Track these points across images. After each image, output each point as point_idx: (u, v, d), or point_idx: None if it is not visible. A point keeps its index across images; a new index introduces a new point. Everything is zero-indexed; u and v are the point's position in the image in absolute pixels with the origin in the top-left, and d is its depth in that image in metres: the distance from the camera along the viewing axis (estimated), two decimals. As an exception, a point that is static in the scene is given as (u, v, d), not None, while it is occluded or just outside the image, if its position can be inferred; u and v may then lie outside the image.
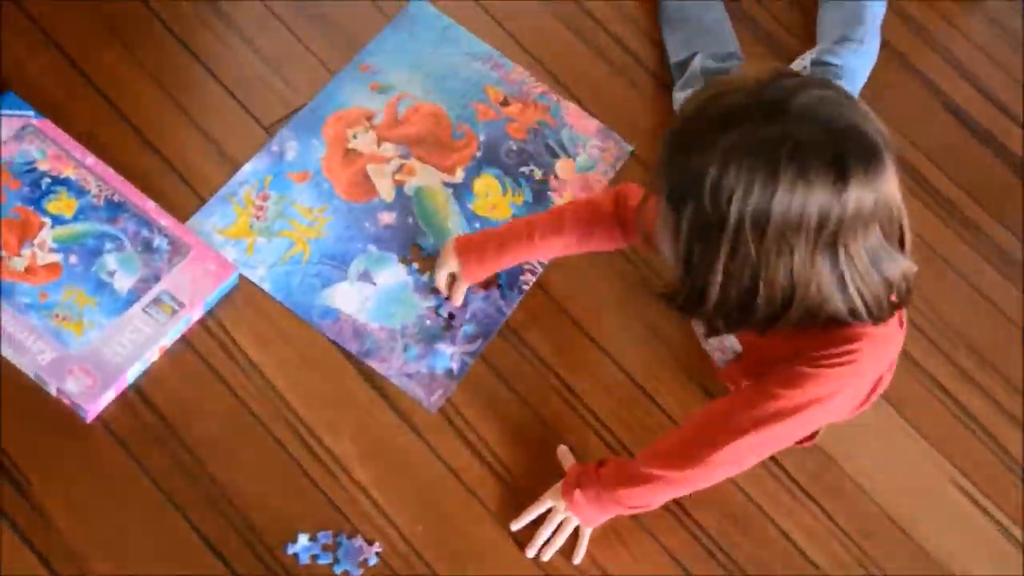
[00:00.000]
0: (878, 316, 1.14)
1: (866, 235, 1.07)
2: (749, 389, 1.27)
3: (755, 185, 1.02)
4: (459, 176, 1.66)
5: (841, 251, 1.07)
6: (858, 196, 1.03)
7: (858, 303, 1.11)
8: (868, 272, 1.09)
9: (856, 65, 1.84)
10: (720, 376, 1.49)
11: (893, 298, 1.16)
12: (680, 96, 1.78)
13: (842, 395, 1.23)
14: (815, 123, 1.03)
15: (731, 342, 1.34)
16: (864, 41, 1.86)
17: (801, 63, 1.86)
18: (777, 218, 1.03)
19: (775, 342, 1.21)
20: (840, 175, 1.02)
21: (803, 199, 1.02)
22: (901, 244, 1.13)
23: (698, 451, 1.28)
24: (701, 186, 1.04)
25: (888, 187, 1.06)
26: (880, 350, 1.20)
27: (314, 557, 1.33)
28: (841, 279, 1.09)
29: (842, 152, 1.02)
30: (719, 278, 1.08)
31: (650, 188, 1.16)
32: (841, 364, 1.18)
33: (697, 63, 1.79)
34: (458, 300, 1.52)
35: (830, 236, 1.05)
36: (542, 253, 1.51)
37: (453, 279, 1.52)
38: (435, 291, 1.53)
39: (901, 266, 1.13)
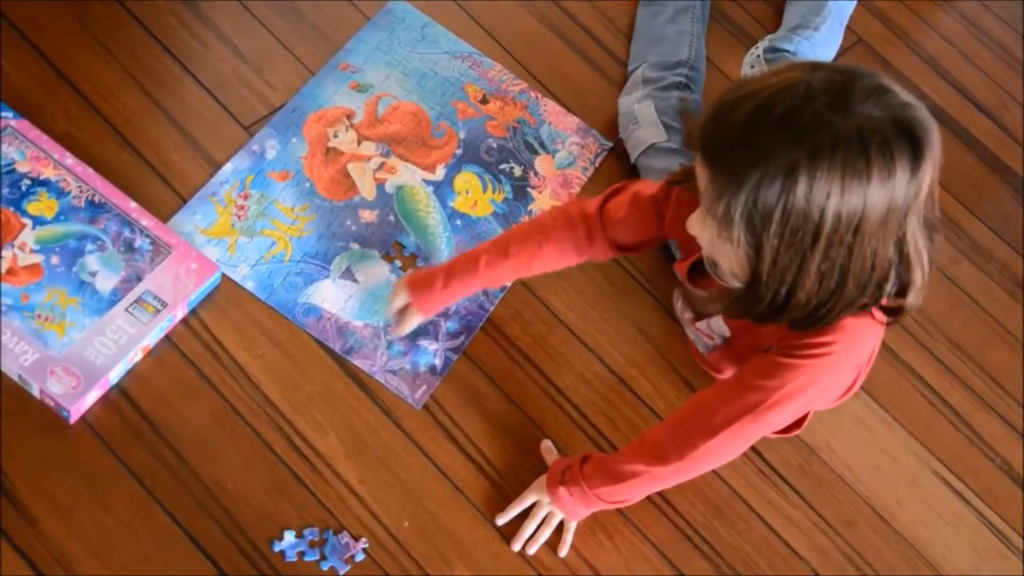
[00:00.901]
0: (903, 294, 1.13)
1: (927, 208, 1.08)
2: (727, 383, 1.28)
3: (849, 184, 1.00)
4: (440, 174, 1.67)
5: (908, 228, 1.06)
6: (928, 175, 1.04)
7: (916, 280, 1.10)
8: (922, 244, 1.09)
9: (808, 53, 1.84)
10: (702, 363, 1.50)
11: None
12: (623, 102, 1.77)
13: (818, 386, 1.24)
14: (882, 112, 1.01)
15: (719, 327, 1.35)
16: (820, 30, 1.88)
17: (755, 52, 1.88)
18: (871, 213, 1.02)
19: (763, 329, 1.22)
20: (917, 157, 1.02)
21: (892, 189, 1.01)
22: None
23: (679, 447, 1.29)
24: (791, 194, 1.00)
25: (939, 158, 1.06)
26: (855, 343, 1.21)
27: (300, 554, 1.33)
28: (905, 255, 1.08)
29: (916, 136, 1.02)
30: (812, 279, 1.06)
31: (702, 218, 1.10)
32: (816, 356, 1.19)
33: (640, 72, 1.80)
34: (404, 331, 1.48)
35: (903, 216, 1.05)
36: (492, 280, 1.47)
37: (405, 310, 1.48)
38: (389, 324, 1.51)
39: (936, 239, 1.13)
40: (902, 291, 1.13)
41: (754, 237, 1.04)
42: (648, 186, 1.39)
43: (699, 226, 1.12)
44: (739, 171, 1.02)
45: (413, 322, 1.47)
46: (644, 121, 1.70)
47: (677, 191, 1.31)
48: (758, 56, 1.85)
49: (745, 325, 1.27)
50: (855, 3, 1.99)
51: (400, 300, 1.46)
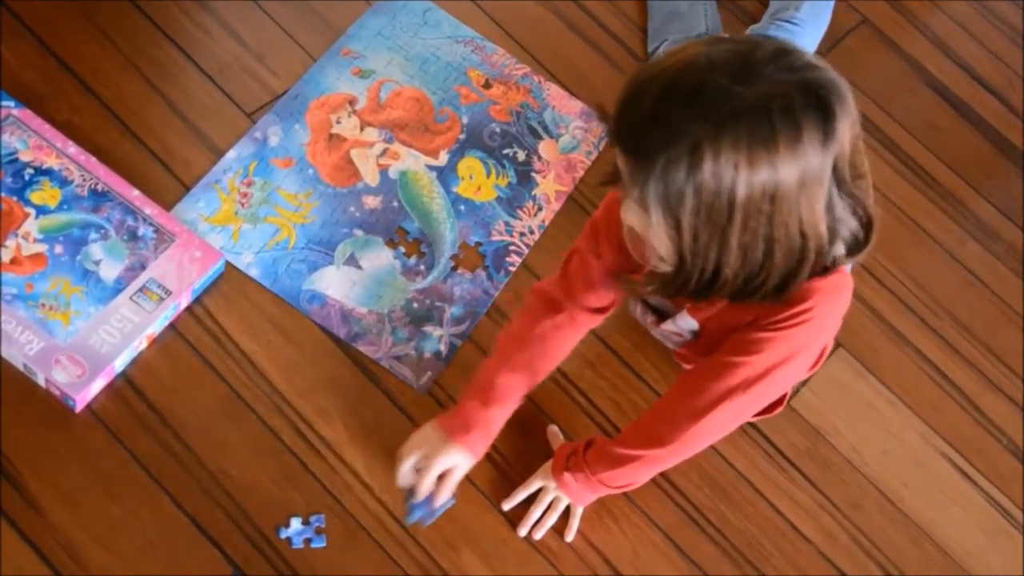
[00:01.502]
0: (861, 246, 1.13)
1: (848, 168, 1.06)
2: (712, 362, 1.26)
3: (757, 154, 0.99)
4: (443, 159, 1.66)
5: (834, 190, 1.05)
6: (842, 135, 1.03)
7: (845, 236, 1.10)
8: (852, 205, 1.08)
9: (793, 39, 1.82)
10: (677, 357, 1.49)
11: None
12: None
13: (804, 353, 1.23)
14: (785, 76, 1.00)
15: (687, 323, 1.33)
16: (800, 9, 1.85)
17: None
18: (785, 181, 1.01)
19: (733, 312, 1.21)
20: (828, 120, 1.01)
21: (804, 154, 1.00)
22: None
23: (671, 429, 1.29)
24: (698, 171, 1.00)
25: (855, 114, 1.05)
26: (833, 300, 1.19)
27: (307, 540, 1.34)
28: (834, 216, 1.07)
29: (823, 97, 1.01)
30: (734, 252, 1.05)
31: (624, 194, 1.09)
32: (797, 324, 1.17)
33: (661, 51, 1.79)
34: (445, 496, 1.36)
35: (828, 180, 1.04)
36: (518, 398, 1.38)
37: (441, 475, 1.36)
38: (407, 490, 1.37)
39: (870, 196, 1.11)
40: (856, 246, 1.12)
41: (672, 218, 1.04)
42: (583, 236, 1.37)
43: (626, 213, 1.10)
44: (649, 154, 1.01)
45: (455, 483, 1.36)
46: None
47: (611, 195, 1.30)
48: None
49: (714, 313, 1.26)
50: None
51: (445, 463, 1.33)
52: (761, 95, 0.99)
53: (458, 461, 1.33)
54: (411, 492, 1.34)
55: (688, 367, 1.45)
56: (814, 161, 1.01)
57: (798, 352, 1.21)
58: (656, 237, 1.08)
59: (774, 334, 1.19)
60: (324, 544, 1.34)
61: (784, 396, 1.46)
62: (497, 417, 1.35)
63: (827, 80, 1.02)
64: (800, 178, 1.02)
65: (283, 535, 1.33)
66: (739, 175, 1.00)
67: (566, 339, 1.41)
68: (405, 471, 1.34)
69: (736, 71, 1.00)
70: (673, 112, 1.00)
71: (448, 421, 1.35)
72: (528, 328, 1.38)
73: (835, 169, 1.04)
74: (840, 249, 1.12)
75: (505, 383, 1.35)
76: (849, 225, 1.10)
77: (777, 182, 1.01)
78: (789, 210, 1.03)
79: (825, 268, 1.13)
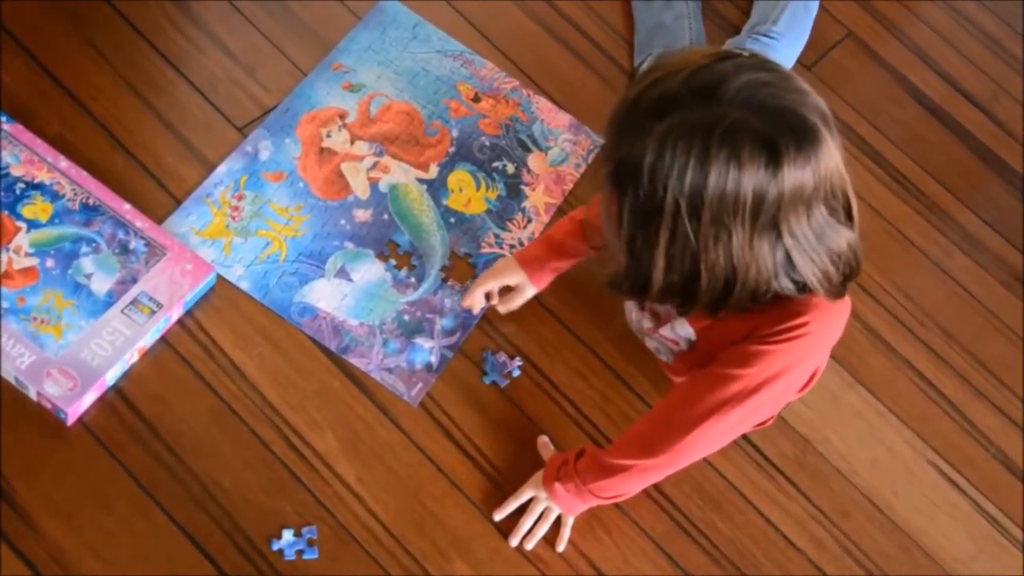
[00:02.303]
0: (831, 291, 1.15)
1: (809, 214, 1.08)
2: (706, 373, 1.27)
3: (689, 169, 1.02)
4: (433, 172, 1.67)
5: (784, 231, 1.07)
6: (795, 177, 1.04)
7: (811, 279, 1.11)
8: (815, 249, 1.10)
9: (770, 52, 1.83)
10: (667, 371, 1.48)
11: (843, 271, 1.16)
12: None
13: (799, 368, 1.24)
14: (748, 106, 1.03)
15: (684, 331, 1.34)
16: (778, 22, 1.87)
17: None
18: (712, 201, 1.03)
19: (729, 324, 1.22)
20: (772, 157, 1.02)
21: (736, 181, 1.03)
22: (848, 215, 1.14)
23: (664, 440, 1.29)
24: (639, 172, 1.04)
25: (828, 164, 1.06)
26: (830, 319, 1.21)
27: (299, 552, 1.34)
28: (788, 259, 1.09)
29: (774, 134, 1.02)
30: (661, 263, 1.09)
31: (598, 177, 1.16)
32: (792, 339, 1.19)
33: (647, 64, 1.81)
34: (514, 307, 1.54)
35: (769, 218, 1.06)
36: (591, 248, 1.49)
37: (503, 290, 1.54)
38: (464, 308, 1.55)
39: (846, 237, 1.13)
40: (831, 287, 1.14)
41: (617, 207, 1.09)
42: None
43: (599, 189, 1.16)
44: (615, 142, 1.08)
45: (525, 298, 1.52)
46: None
47: None
48: None
49: (709, 325, 1.28)
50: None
51: (514, 279, 1.51)
52: (713, 116, 1.02)
53: (522, 285, 1.51)
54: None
55: (680, 380, 1.45)
56: (747, 191, 1.03)
57: (792, 367, 1.22)
58: (609, 226, 1.12)
59: (769, 347, 1.20)
60: (316, 555, 1.34)
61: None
62: (564, 267, 1.52)
63: (788, 120, 1.03)
64: (731, 205, 1.04)
65: (275, 547, 1.33)
66: (669, 184, 1.03)
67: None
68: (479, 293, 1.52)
69: (704, 88, 1.03)
70: (645, 107, 1.05)
71: (525, 255, 1.52)
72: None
73: (785, 212, 1.05)
74: (811, 283, 1.12)
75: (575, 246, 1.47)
76: (812, 270, 1.11)
77: (704, 201, 1.03)
78: (716, 234, 1.06)
79: (832, 292, 1.15)
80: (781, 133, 1.03)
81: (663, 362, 1.46)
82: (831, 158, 1.07)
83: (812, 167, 1.05)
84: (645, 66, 1.80)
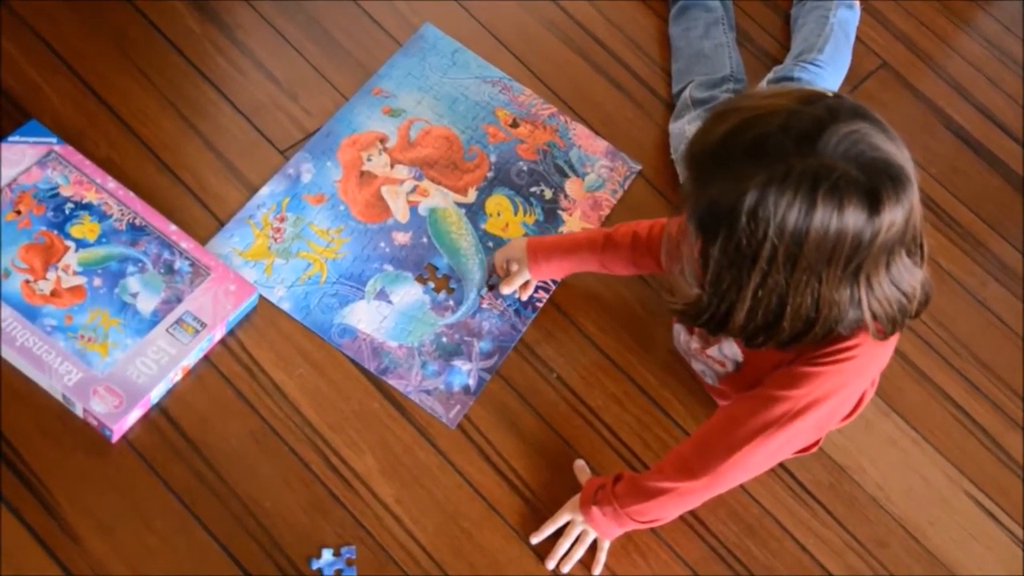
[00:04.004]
0: (891, 331, 1.16)
1: (891, 260, 1.10)
2: (752, 394, 1.28)
3: (791, 218, 1.03)
4: (471, 196, 1.69)
5: (863, 278, 1.09)
6: (889, 226, 1.05)
7: (882, 318, 1.13)
8: (890, 293, 1.12)
9: (815, 80, 1.85)
10: (712, 393, 1.51)
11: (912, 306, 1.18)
12: (674, 127, 1.81)
13: (845, 391, 1.24)
14: (851, 158, 1.03)
15: (733, 352, 1.36)
16: (824, 51, 1.89)
17: (761, 84, 1.87)
18: (810, 249, 1.05)
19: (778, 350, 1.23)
20: (874, 208, 1.04)
21: (837, 231, 1.04)
22: (920, 255, 1.15)
23: (706, 462, 1.30)
24: (736, 215, 1.04)
25: (915, 212, 1.08)
26: (878, 347, 1.22)
27: (338, 572, 1.35)
28: (859, 302, 1.11)
29: (876, 186, 1.04)
30: (747, 304, 1.10)
31: (676, 210, 1.16)
32: (840, 361, 1.20)
33: (687, 93, 1.83)
34: (509, 290, 1.58)
35: (856, 265, 1.07)
36: (604, 265, 1.54)
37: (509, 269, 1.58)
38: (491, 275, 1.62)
39: (919, 278, 1.15)
40: (892, 324, 1.15)
41: (704, 246, 1.09)
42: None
43: (673, 223, 1.17)
44: (704, 181, 1.08)
45: (519, 282, 1.57)
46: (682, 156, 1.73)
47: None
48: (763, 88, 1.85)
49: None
50: (858, 12, 2.00)
51: (513, 257, 1.55)
52: (817, 167, 1.03)
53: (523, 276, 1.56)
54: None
55: (724, 403, 1.46)
56: (846, 244, 1.05)
57: (838, 390, 1.23)
58: (688, 260, 1.13)
59: (818, 369, 1.20)
60: (354, 575, 1.35)
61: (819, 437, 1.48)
62: (571, 270, 1.58)
63: (888, 170, 1.05)
64: (828, 255, 1.05)
65: (314, 566, 1.35)
66: (770, 230, 1.04)
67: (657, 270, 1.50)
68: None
69: (804, 137, 1.04)
70: (737, 151, 1.05)
71: (538, 242, 1.56)
72: (636, 240, 1.49)
73: (871, 258, 1.07)
74: (867, 322, 1.14)
75: (607, 252, 1.51)
76: (880, 313, 1.12)
77: (803, 249, 1.05)
78: (808, 281, 1.07)
79: (890, 332, 1.16)
80: (882, 185, 1.04)
81: (708, 384, 1.47)
82: (917, 206, 1.09)
83: (904, 216, 1.06)
84: (687, 95, 1.82)
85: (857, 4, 2.01)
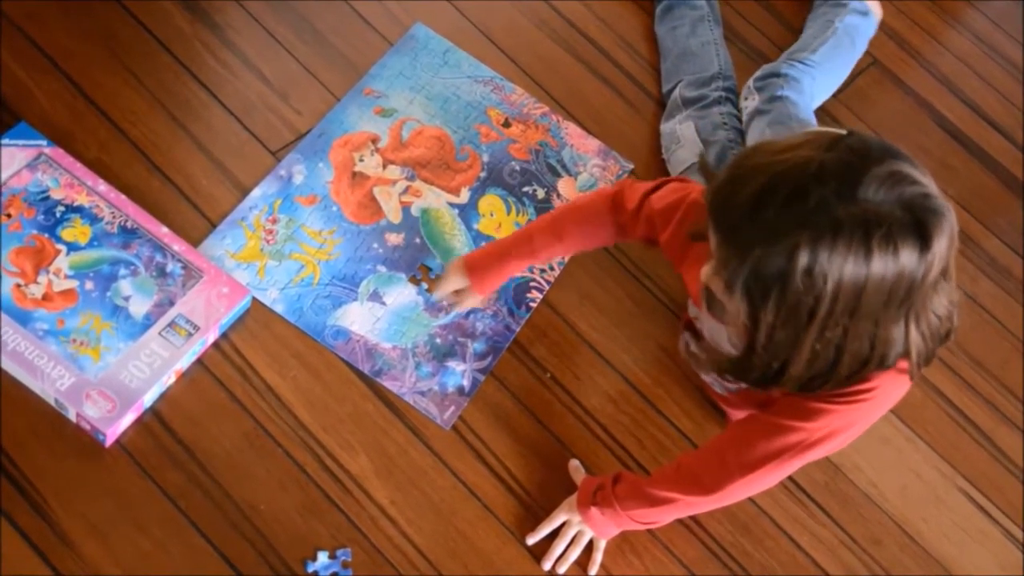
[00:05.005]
0: (926, 364, 1.15)
1: (936, 292, 1.08)
2: (766, 419, 1.27)
3: (848, 270, 1.00)
4: (464, 196, 1.69)
5: (913, 312, 1.07)
6: (939, 259, 1.04)
7: (915, 355, 1.11)
8: (932, 321, 1.10)
9: (802, 77, 1.84)
10: (718, 399, 1.51)
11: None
12: (665, 128, 1.81)
13: (859, 426, 1.24)
14: (892, 198, 1.01)
15: None
16: (817, 51, 1.88)
17: (749, 81, 1.86)
18: (870, 298, 1.03)
19: None
20: (925, 245, 1.02)
21: (895, 276, 1.02)
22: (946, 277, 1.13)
23: (716, 479, 1.30)
24: (788, 276, 1.01)
25: (955, 239, 1.06)
26: (894, 387, 1.21)
27: (334, 574, 1.34)
28: (907, 336, 1.09)
29: (924, 224, 1.01)
30: (805, 356, 1.08)
31: (711, 276, 1.11)
32: (856, 401, 1.19)
33: (677, 93, 1.83)
34: (466, 308, 1.56)
35: (911, 304, 1.06)
36: (544, 259, 1.53)
37: (458, 295, 1.54)
38: (440, 308, 1.57)
39: (953, 298, 1.13)
40: (924, 359, 1.14)
41: (752, 310, 1.06)
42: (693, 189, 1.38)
43: (709, 278, 1.12)
44: (744, 245, 1.03)
45: (470, 303, 1.54)
46: (686, 141, 1.73)
47: (680, 214, 1.32)
48: (749, 86, 1.85)
49: None
50: (874, 21, 2.00)
51: (456, 283, 1.50)
52: (863, 213, 1.00)
53: (465, 291, 1.51)
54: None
55: (732, 411, 1.46)
56: (902, 284, 1.03)
57: (852, 425, 1.23)
58: (733, 322, 1.10)
59: (834, 407, 1.19)
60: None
61: None
62: (512, 274, 1.53)
63: (932, 208, 1.02)
64: (886, 299, 1.03)
65: (310, 569, 1.34)
66: (828, 286, 1.01)
67: (615, 238, 1.49)
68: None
69: (842, 185, 1.00)
70: (774, 210, 1.01)
71: (471, 258, 1.50)
72: (594, 214, 1.45)
73: (920, 293, 1.05)
74: (908, 359, 1.13)
75: (545, 248, 1.47)
76: (918, 341, 1.11)
77: (862, 299, 1.03)
78: (867, 326, 1.06)
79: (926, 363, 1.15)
80: (929, 223, 1.02)
81: (716, 392, 1.47)
82: (953, 240, 1.06)
83: (947, 244, 1.04)
84: (677, 95, 1.81)
85: (875, 12, 2.00)
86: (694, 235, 1.21)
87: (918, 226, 1.01)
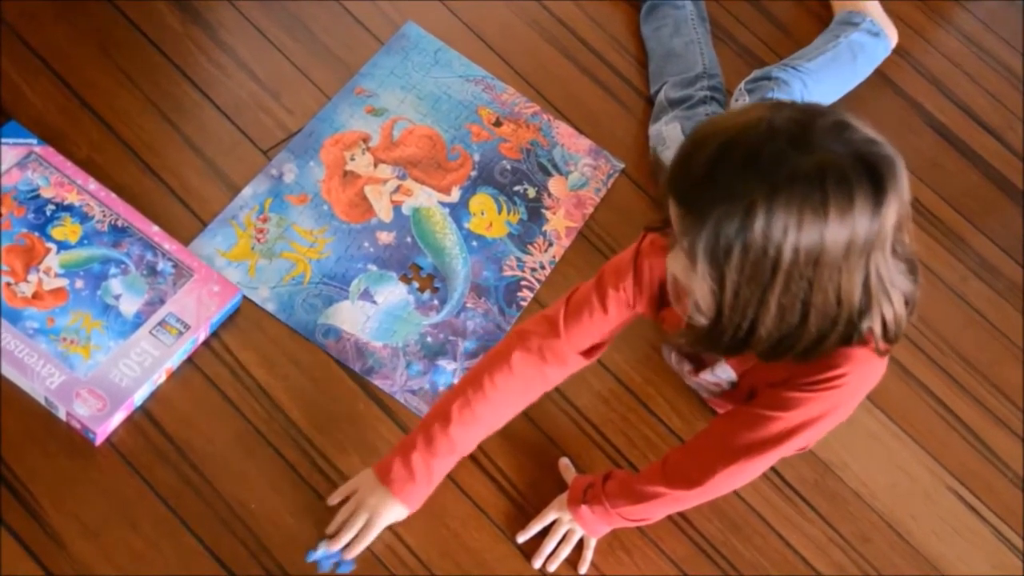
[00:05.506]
0: (892, 338, 1.15)
1: (895, 248, 1.09)
2: (746, 411, 1.28)
3: (806, 219, 1.01)
4: (455, 196, 1.69)
5: (872, 264, 1.07)
6: (892, 210, 1.05)
7: (888, 318, 1.12)
8: (893, 279, 1.11)
9: (793, 81, 1.85)
10: (708, 401, 1.53)
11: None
12: (653, 130, 1.81)
13: (833, 414, 1.25)
14: (844, 148, 1.03)
15: (726, 374, 1.36)
16: (814, 60, 1.89)
17: (741, 84, 1.86)
18: (830, 246, 1.03)
19: (770, 369, 1.23)
20: (880, 194, 1.03)
21: (852, 224, 1.03)
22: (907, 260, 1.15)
23: (701, 471, 1.31)
24: (749, 229, 1.02)
25: (907, 193, 1.08)
26: (865, 372, 1.22)
27: (335, 564, 1.34)
28: (870, 291, 1.09)
29: (878, 171, 1.03)
30: (772, 312, 1.08)
31: (672, 242, 1.12)
32: (828, 388, 1.20)
33: (663, 94, 1.83)
34: (361, 547, 1.35)
35: (869, 254, 1.06)
36: (469, 448, 1.37)
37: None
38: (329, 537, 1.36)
39: (912, 256, 1.14)
40: (886, 328, 1.14)
41: (717, 272, 1.06)
42: (592, 287, 1.37)
43: (673, 262, 1.14)
44: (703, 208, 1.04)
45: (376, 532, 1.36)
46: (672, 142, 1.73)
47: (647, 242, 1.32)
48: (740, 88, 1.85)
49: (752, 366, 1.29)
50: (888, 42, 2.00)
51: (387, 516, 1.34)
52: (817, 163, 1.02)
53: (398, 516, 1.34)
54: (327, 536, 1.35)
55: (722, 411, 1.47)
56: (860, 231, 1.04)
57: (827, 415, 1.23)
58: (699, 289, 1.10)
59: (808, 394, 1.21)
60: (352, 568, 1.35)
61: None
62: (446, 468, 1.35)
63: (883, 155, 1.04)
64: (846, 247, 1.04)
65: (311, 558, 1.34)
66: (787, 237, 1.02)
67: (547, 385, 1.40)
68: (339, 519, 1.35)
69: (794, 138, 1.03)
70: (730, 171, 1.03)
71: (390, 470, 1.33)
72: (511, 373, 1.35)
73: (879, 244, 1.06)
74: (875, 325, 1.13)
75: (463, 435, 1.33)
76: (886, 303, 1.11)
77: (823, 248, 1.03)
78: (830, 276, 1.06)
79: (846, 338, 1.14)
80: (884, 169, 1.03)
81: (706, 397, 1.48)
82: (908, 187, 1.08)
83: (902, 196, 1.06)
84: (663, 96, 1.82)
85: (889, 35, 2.00)
86: (652, 227, 1.23)
87: (870, 170, 1.03)
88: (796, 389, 1.21)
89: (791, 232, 1.02)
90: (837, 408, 1.24)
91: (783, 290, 1.06)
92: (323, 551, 1.35)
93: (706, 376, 1.38)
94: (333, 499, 1.38)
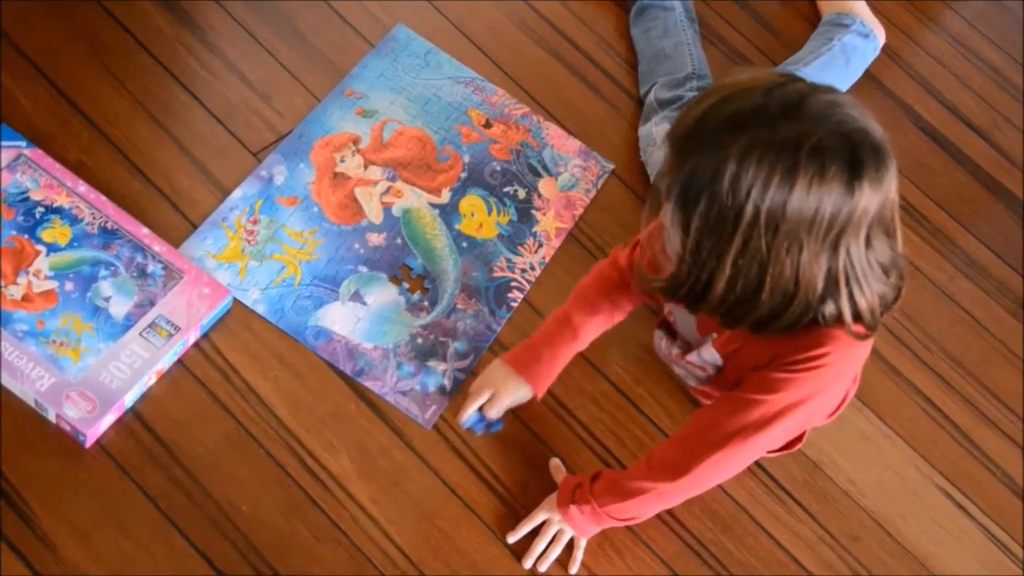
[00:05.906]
0: (871, 323, 1.16)
1: (871, 236, 1.10)
2: (729, 398, 1.29)
3: (774, 181, 1.03)
4: (445, 197, 1.69)
5: (849, 251, 1.09)
6: (868, 197, 1.06)
7: (860, 305, 1.13)
8: (870, 273, 1.12)
9: None
10: (695, 392, 1.53)
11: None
12: (643, 131, 1.82)
13: (819, 397, 1.25)
14: (830, 124, 1.04)
15: (711, 356, 1.37)
16: (810, 64, 1.90)
17: None
18: (792, 215, 1.05)
19: (754, 350, 1.24)
20: (855, 175, 1.04)
21: (818, 198, 1.04)
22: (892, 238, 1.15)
23: (685, 462, 1.31)
24: (718, 181, 1.04)
25: (892, 188, 1.09)
26: (849, 353, 1.22)
27: (489, 424, 1.46)
28: (844, 281, 1.11)
29: (857, 153, 1.04)
30: (727, 271, 1.09)
31: (655, 195, 1.15)
32: (813, 368, 1.21)
33: (652, 95, 1.84)
34: (498, 413, 1.47)
35: (837, 236, 1.07)
36: (585, 341, 1.48)
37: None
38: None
39: (897, 260, 1.15)
40: (859, 316, 1.15)
41: (684, 218, 1.09)
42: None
43: (663, 213, 1.15)
44: (684, 153, 1.08)
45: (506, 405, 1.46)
46: (662, 142, 1.73)
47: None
48: None
49: (736, 349, 1.30)
50: (876, 43, 2.01)
51: (518, 395, 1.45)
52: (799, 131, 1.03)
53: (523, 396, 1.45)
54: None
55: (707, 403, 1.47)
56: (826, 208, 1.05)
57: (812, 396, 1.24)
58: (671, 232, 1.13)
59: (791, 375, 1.21)
60: (502, 426, 1.46)
61: (803, 434, 1.49)
62: (566, 355, 1.47)
63: (868, 141, 1.05)
64: (810, 221, 1.05)
65: (465, 425, 1.46)
66: (751, 195, 1.04)
67: (628, 305, 1.50)
68: (472, 410, 1.45)
69: (786, 107, 1.05)
70: (716, 124, 1.06)
71: (517, 356, 1.46)
72: (602, 286, 1.47)
73: (851, 231, 1.07)
74: (844, 313, 1.13)
75: (582, 321, 1.45)
76: (858, 293, 1.12)
77: (784, 214, 1.05)
78: (789, 248, 1.07)
79: (836, 320, 1.15)
80: (864, 153, 1.05)
81: (691, 386, 1.48)
82: (895, 183, 1.09)
83: (883, 189, 1.07)
84: (652, 97, 1.83)
85: (878, 35, 2.01)
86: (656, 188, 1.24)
87: (849, 155, 1.04)
88: (779, 370, 1.22)
89: (756, 190, 1.04)
90: (821, 391, 1.24)
91: (740, 250, 1.08)
92: (475, 416, 1.42)
93: (692, 359, 1.39)
94: (467, 411, 1.46)
